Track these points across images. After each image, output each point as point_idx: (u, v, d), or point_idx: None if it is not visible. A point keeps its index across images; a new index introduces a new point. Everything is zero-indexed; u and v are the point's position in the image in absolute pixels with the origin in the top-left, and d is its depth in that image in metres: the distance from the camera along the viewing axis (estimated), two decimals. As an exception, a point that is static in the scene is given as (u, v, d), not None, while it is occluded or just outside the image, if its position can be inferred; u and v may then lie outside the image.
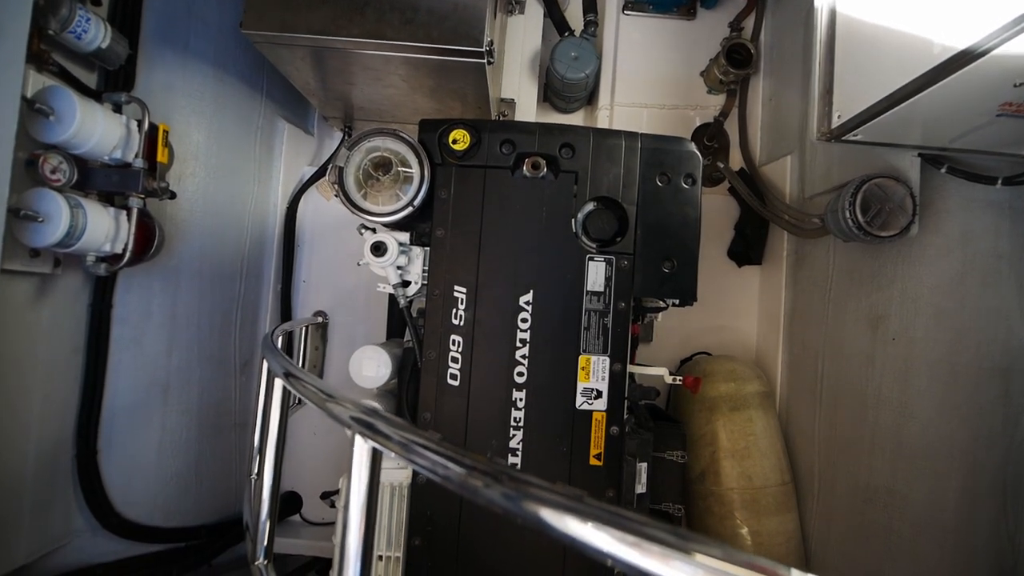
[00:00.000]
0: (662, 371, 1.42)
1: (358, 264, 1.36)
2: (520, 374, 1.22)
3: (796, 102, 2.14)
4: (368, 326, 2.33)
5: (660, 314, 1.67)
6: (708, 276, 2.50)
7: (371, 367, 1.32)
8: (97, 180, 1.35)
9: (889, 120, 1.19)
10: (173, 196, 1.53)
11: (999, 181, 1.36)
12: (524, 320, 1.22)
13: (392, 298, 1.41)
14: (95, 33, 1.33)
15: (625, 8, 2.49)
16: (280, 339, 1.29)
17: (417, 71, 1.64)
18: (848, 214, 1.42)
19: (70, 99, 1.22)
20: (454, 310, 1.24)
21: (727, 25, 2.45)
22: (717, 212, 2.44)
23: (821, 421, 2.01)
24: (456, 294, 1.24)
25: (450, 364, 1.21)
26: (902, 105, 1.11)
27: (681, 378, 1.43)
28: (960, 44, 0.94)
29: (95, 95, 1.43)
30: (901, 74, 1.08)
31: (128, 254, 1.39)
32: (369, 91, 1.87)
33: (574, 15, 2.48)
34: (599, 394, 1.24)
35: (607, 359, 1.24)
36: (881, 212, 1.39)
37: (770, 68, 2.41)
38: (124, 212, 1.40)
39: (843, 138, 1.33)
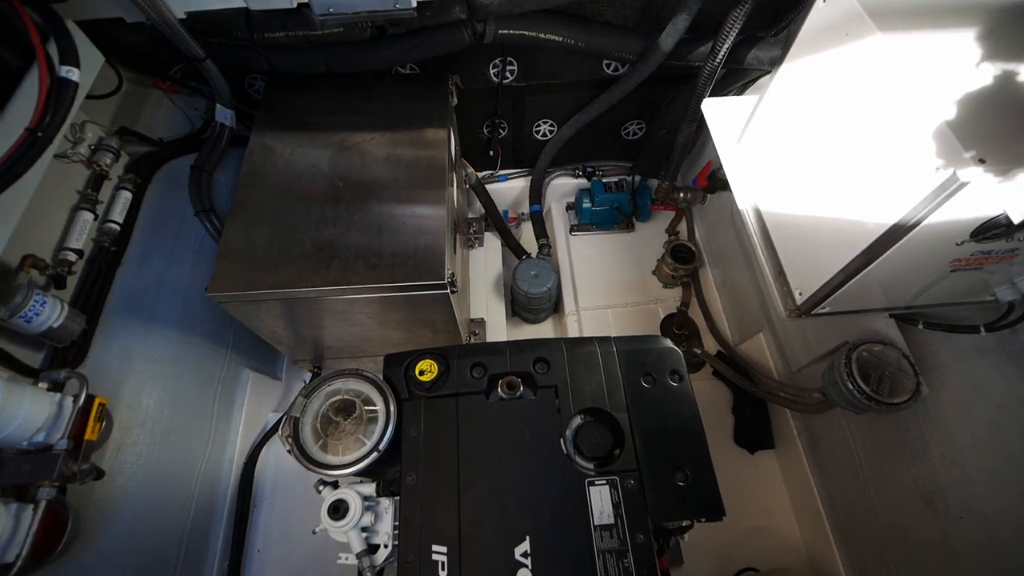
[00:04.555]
0: (713, 621, 1.09)
1: (313, 532, 1.11)
2: (531, 667, 0.89)
3: (748, 284, 2.26)
4: (336, 604, 1.87)
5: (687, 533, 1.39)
6: (722, 470, 2.24)
7: None
8: (4, 473, 1.15)
9: (851, 289, 1.20)
10: (100, 476, 1.31)
11: (981, 329, 1.33)
12: (525, 582, 0.95)
13: (359, 570, 1.13)
14: (48, 315, 1.30)
15: (572, 230, 2.80)
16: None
17: (384, 308, 1.67)
18: (851, 386, 1.33)
19: (-6, 388, 1.11)
20: (434, 581, 0.96)
21: (664, 231, 2.75)
22: (708, 398, 2.33)
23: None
24: (435, 556, 0.98)
25: (433, 670, 0.88)
26: (859, 275, 1.13)
27: (740, 628, 1.09)
28: (889, 220, 1.00)
29: (33, 373, 1.33)
30: (845, 251, 1.12)
31: (20, 562, 1.10)
32: (337, 331, 1.87)
33: (528, 241, 2.75)
34: None
35: (641, 621, 0.94)
36: (884, 378, 1.30)
37: (713, 260, 2.63)
38: (30, 507, 1.16)
39: (812, 312, 1.33)
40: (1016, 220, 0.87)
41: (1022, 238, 1.02)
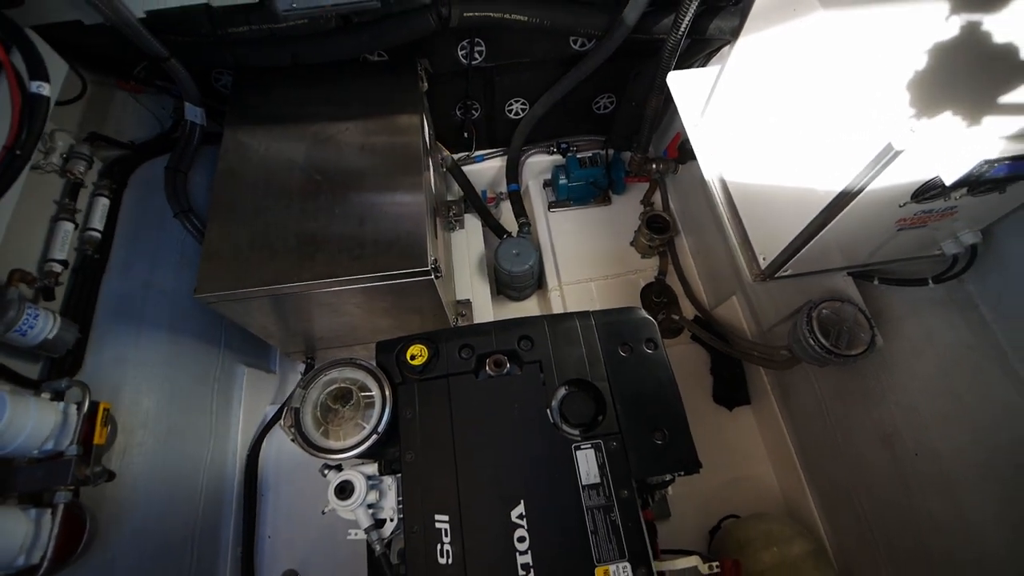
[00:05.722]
0: (694, 561, 1.20)
1: (323, 512, 1.19)
2: (532, 614, 0.99)
3: (720, 249, 2.36)
4: (348, 577, 1.98)
5: (670, 487, 1.51)
6: (703, 427, 2.39)
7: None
8: (19, 481, 1.20)
9: (809, 252, 1.29)
10: (111, 477, 1.37)
11: (930, 281, 1.44)
12: (522, 539, 1.05)
13: (369, 543, 1.21)
14: (42, 327, 1.33)
15: (550, 207, 2.85)
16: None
17: (371, 297, 1.71)
18: (812, 342, 1.43)
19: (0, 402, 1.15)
20: (439, 545, 1.05)
21: (640, 203, 2.82)
22: (688, 361, 2.45)
23: (888, 572, 1.72)
24: (438, 525, 1.07)
25: (444, 623, 0.98)
26: (815, 239, 1.21)
27: (718, 564, 1.21)
28: (837, 187, 1.08)
29: (34, 385, 1.37)
30: (801, 217, 1.20)
31: (46, 563, 1.16)
32: (327, 323, 1.92)
33: (508, 220, 2.80)
34: (631, 615, 1.01)
35: (628, 565, 1.04)
36: (842, 333, 1.41)
37: (687, 228, 2.71)
38: (48, 511, 1.22)
39: (775, 275, 1.42)
40: (948, 182, 0.95)
41: (958, 197, 1.11)
